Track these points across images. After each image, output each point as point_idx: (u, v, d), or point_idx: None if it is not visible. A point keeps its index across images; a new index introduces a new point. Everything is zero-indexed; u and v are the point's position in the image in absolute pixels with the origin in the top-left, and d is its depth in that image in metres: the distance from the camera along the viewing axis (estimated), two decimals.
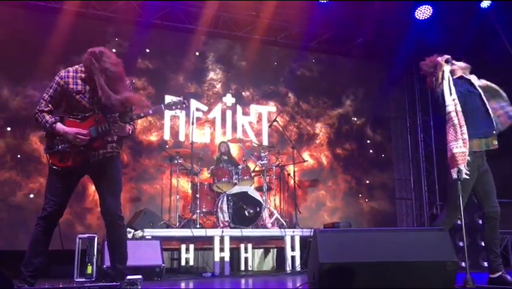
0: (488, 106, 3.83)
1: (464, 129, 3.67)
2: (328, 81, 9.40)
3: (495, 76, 4.28)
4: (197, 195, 6.49)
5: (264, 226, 6.63)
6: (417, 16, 8.28)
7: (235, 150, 7.99)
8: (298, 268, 6.25)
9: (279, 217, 6.88)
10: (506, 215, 4.66)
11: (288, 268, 6.28)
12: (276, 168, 7.43)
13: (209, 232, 6.09)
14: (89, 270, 5.18)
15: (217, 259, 5.97)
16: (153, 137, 7.98)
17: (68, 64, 3.72)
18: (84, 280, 5.11)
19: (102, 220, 3.59)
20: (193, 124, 6.78)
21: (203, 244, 6.84)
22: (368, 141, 9.57)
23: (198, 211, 6.41)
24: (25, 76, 7.24)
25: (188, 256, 6.62)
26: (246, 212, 6.48)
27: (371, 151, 9.54)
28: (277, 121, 7.82)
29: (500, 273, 3.74)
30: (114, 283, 3.40)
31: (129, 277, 3.36)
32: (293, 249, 6.36)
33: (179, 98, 3.71)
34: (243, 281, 5.41)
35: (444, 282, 3.13)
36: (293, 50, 9.26)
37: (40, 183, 6.99)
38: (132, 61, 7.93)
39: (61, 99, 3.48)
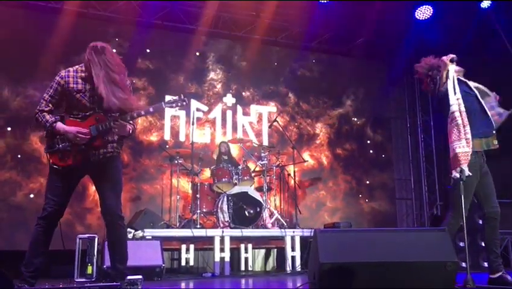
0: (485, 107, 3.85)
1: (468, 128, 3.67)
2: (328, 81, 9.40)
3: (495, 76, 4.28)
4: (198, 196, 6.49)
5: (264, 226, 6.63)
6: (417, 16, 8.29)
7: (235, 150, 7.99)
8: (298, 268, 6.25)
9: (279, 217, 6.88)
10: (506, 215, 4.66)
11: (289, 268, 6.27)
12: (276, 168, 7.43)
13: (210, 232, 6.09)
14: (89, 270, 5.18)
15: (217, 259, 5.97)
16: (153, 137, 7.98)
17: (69, 64, 3.72)
18: (84, 280, 5.11)
19: (102, 220, 3.59)
20: (193, 124, 6.78)
21: (204, 244, 6.84)
22: (369, 141, 9.57)
23: (198, 211, 6.41)
24: (25, 76, 7.24)
25: (188, 256, 6.62)
26: (246, 213, 6.48)
27: (371, 151, 9.54)
28: (277, 122, 7.82)
29: (500, 273, 3.74)
30: (115, 283, 3.40)
31: (129, 277, 3.36)
32: (293, 249, 6.36)
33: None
34: (243, 281, 5.41)
35: (445, 282, 3.13)
36: (293, 50, 9.26)
37: (40, 183, 6.99)
38: (132, 61, 7.93)
39: (61, 99, 3.48)
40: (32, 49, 7.21)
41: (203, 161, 7.05)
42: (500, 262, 3.80)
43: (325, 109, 9.34)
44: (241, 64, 8.90)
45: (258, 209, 6.55)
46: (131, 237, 5.55)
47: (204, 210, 6.68)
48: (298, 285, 4.47)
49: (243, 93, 8.80)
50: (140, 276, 3.37)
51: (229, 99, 8.65)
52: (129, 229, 5.55)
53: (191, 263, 6.59)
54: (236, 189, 6.61)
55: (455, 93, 3.77)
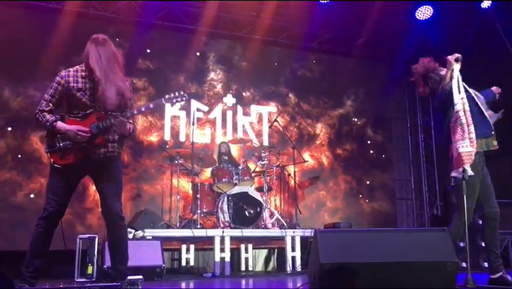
0: (482, 108, 3.85)
1: (472, 128, 3.68)
2: (329, 81, 9.40)
3: (495, 76, 4.29)
4: (198, 196, 6.49)
5: (265, 227, 6.64)
6: (417, 16, 8.28)
7: (235, 151, 7.99)
8: (299, 269, 6.25)
9: (279, 217, 6.88)
10: (506, 215, 4.66)
11: (289, 268, 6.27)
12: (276, 168, 7.43)
13: (210, 232, 6.09)
14: (89, 270, 5.18)
15: (217, 259, 5.97)
16: (153, 137, 7.98)
17: (69, 65, 3.73)
18: (84, 280, 5.11)
19: (102, 220, 3.59)
20: (193, 124, 6.78)
21: (204, 245, 6.84)
22: (369, 142, 9.57)
23: (198, 211, 6.41)
24: (26, 76, 7.24)
25: (188, 256, 6.64)
26: (246, 213, 6.48)
27: (371, 151, 9.54)
28: (277, 122, 7.82)
29: (500, 274, 3.74)
30: (115, 284, 3.40)
31: (129, 277, 3.36)
32: (293, 249, 6.36)
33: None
34: (243, 281, 5.41)
35: (445, 283, 3.13)
36: (294, 51, 9.26)
37: (41, 183, 7.00)
38: (132, 61, 7.93)
39: (61, 98, 3.48)
40: (33, 49, 7.21)
41: (203, 161, 7.05)
42: (501, 262, 3.80)
43: (325, 109, 9.34)
44: (241, 64, 8.90)
45: (258, 209, 6.55)
46: (131, 237, 5.54)
47: (204, 210, 6.67)
48: (298, 285, 4.47)
49: (243, 93, 8.80)
50: (140, 276, 3.37)
51: (230, 99, 8.65)
52: (129, 229, 5.54)
53: (192, 263, 6.61)
54: (236, 190, 6.61)
55: (459, 92, 3.77)
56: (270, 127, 8.34)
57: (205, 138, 8.32)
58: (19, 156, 7.11)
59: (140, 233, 5.65)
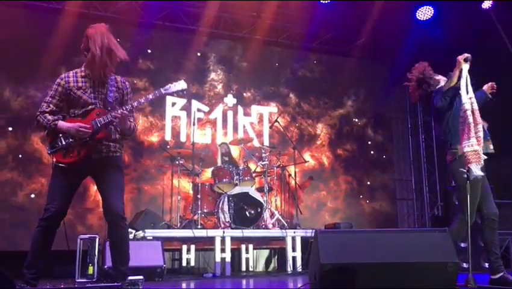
0: (477, 113, 3.85)
1: (480, 127, 3.69)
2: (329, 82, 9.41)
3: (495, 76, 4.28)
4: (198, 196, 6.49)
5: (265, 227, 6.63)
6: (418, 17, 8.28)
7: (236, 151, 8.00)
8: (299, 269, 6.25)
9: (280, 217, 6.88)
10: (507, 216, 4.67)
11: (289, 268, 6.27)
12: (277, 168, 7.43)
13: (210, 233, 6.09)
14: (90, 270, 5.19)
15: (218, 259, 5.97)
16: (154, 138, 7.99)
17: (70, 65, 3.75)
18: (85, 280, 5.12)
19: (103, 221, 3.59)
20: (194, 124, 6.79)
21: (204, 245, 6.84)
22: (370, 142, 9.57)
23: (199, 212, 6.41)
24: (27, 76, 7.26)
25: (189, 256, 6.64)
26: (247, 213, 6.48)
27: (372, 152, 9.54)
28: (278, 122, 7.82)
29: (501, 274, 3.74)
30: (115, 284, 3.39)
31: (130, 277, 3.36)
32: (294, 250, 6.36)
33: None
34: (244, 282, 5.41)
35: (445, 283, 3.13)
36: (294, 51, 9.27)
37: (42, 183, 7.01)
38: (133, 61, 7.94)
39: (62, 99, 3.49)
40: (33, 49, 7.22)
41: (204, 162, 7.06)
42: (501, 262, 3.81)
43: (326, 109, 9.35)
44: (242, 64, 8.91)
45: (259, 210, 6.55)
46: (131, 237, 5.55)
47: (205, 210, 6.67)
48: (299, 285, 4.47)
49: (244, 94, 8.80)
50: (141, 277, 3.37)
51: (230, 100, 8.65)
52: (130, 230, 5.55)
53: (192, 263, 6.61)
54: (237, 190, 6.61)
55: (467, 92, 3.77)
56: (270, 127, 8.34)
57: (206, 138, 8.33)
58: (20, 156, 7.12)
59: (140, 234, 5.65)
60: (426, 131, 9.81)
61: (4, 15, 7.25)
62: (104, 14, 7.82)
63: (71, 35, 7.20)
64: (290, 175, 7.61)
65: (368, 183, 9.32)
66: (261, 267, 7.86)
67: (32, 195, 7.04)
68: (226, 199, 6.51)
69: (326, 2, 8.00)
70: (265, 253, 7.95)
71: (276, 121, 7.80)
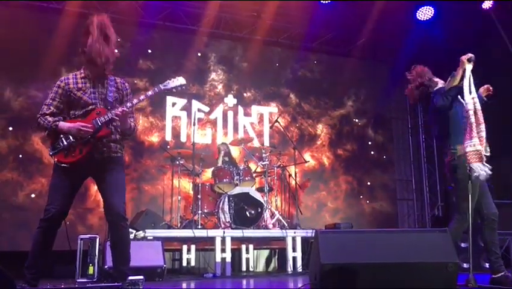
0: (479, 113, 3.86)
1: (483, 126, 3.69)
2: (330, 82, 9.41)
3: (495, 76, 4.29)
4: (199, 196, 6.49)
5: (266, 227, 6.63)
6: (418, 17, 8.28)
7: (236, 151, 8.00)
8: (299, 269, 6.25)
9: (280, 217, 6.88)
10: (507, 216, 4.66)
11: (290, 269, 6.27)
12: (277, 169, 7.43)
13: (211, 233, 6.09)
14: (91, 270, 5.19)
15: (218, 259, 5.97)
16: (154, 138, 7.99)
17: (70, 65, 3.76)
18: (85, 280, 5.12)
19: (103, 221, 3.60)
20: (194, 125, 6.79)
21: (205, 245, 6.84)
22: (370, 142, 9.57)
23: (199, 212, 6.41)
24: (27, 76, 7.26)
25: (189, 256, 6.65)
26: (247, 213, 6.48)
27: (372, 152, 9.55)
28: (278, 122, 7.82)
29: (502, 274, 3.75)
30: (116, 284, 3.40)
31: (130, 277, 3.36)
32: (294, 250, 6.35)
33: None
34: (244, 282, 5.41)
35: (445, 283, 3.14)
36: (295, 51, 9.27)
37: (42, 183, 7.01)
38: (133, 61, 7.96)
39: (62, 101, 3.49)
40: (34, 50, 7.23)
41: (204, 162, 7.06)
42: (502, 262, 3.81)
43: (326, 109, 9.35)
44: (242, 64, 8.91)
45: (259, 210, 6.55)
46: (132, 238, 5.55)
47: (205, 210, 6.68)
48: (299, 285, 4.47)
49: (244, 94, 8.81)
50: (141, 277, 3.37)
51: (231, 100, 8.66)
52: (130, 230, 5.55)
53: (193, 263, 6.61)
54: (237, 190, 6.61)
55: (470, 92, 3.77)
56: (271, 127, 8.34)
57: (206, 138, 8.33)
58: (20, 156, 7.12)
59: (141, 234, 5.66)
60: (427, 131, 9.80)
61: (4, 15, 7.26)
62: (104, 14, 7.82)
63: (72, 35, 7.19)
64: (290, 175, 7.61)
65: (369, 183, 9.33)
66: (261, 267, 7.86)
67: (33, 196, 7.04)
68: (226, 199, 6.51)
69: (326, 2, 8.00)
70: (265, 253, 7.95)
71: (276, 121, 7.80)
